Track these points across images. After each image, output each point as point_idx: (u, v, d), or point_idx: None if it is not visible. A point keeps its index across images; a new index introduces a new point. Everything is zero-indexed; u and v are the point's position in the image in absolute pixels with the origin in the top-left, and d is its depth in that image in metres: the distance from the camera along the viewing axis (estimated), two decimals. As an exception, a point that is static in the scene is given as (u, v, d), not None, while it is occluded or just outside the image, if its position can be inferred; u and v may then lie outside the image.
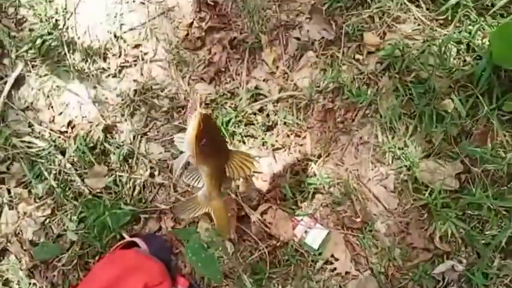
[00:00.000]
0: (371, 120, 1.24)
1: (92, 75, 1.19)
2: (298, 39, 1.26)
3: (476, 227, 1.14)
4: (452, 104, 1.18)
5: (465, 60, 1.19)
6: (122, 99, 1.25)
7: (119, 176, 1.23)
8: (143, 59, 1.19)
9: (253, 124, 1.22)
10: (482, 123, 1.19)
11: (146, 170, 1.23)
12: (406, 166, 1.17)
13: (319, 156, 1.22)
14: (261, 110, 1.23)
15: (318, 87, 1.24)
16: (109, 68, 1.16)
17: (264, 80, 1.25)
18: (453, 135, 1.19)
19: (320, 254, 1.15)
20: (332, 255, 1.16)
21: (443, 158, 1.18)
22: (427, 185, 1.17)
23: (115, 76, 1.27)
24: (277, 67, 1.28)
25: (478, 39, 1.18)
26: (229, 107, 1.22)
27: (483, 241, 1.11)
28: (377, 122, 1.23)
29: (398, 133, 1.19)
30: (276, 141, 1.21)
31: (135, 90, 1.25)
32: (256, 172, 1.17)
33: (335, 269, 1.16)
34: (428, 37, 1.23)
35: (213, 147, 0.71)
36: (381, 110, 1.22)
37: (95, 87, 1.17)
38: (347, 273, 1.16)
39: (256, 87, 1.24)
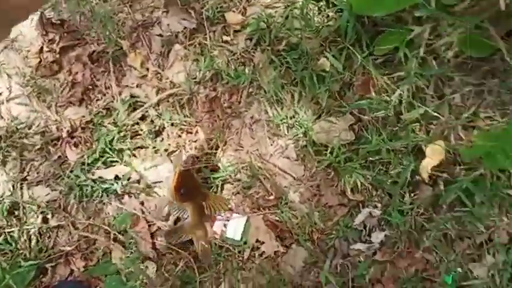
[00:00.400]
0: (256, 97, 1.41)
1: None
2: (160, 35, 1.42)
3: (381, 171, 1.37)
4: (328, 61, 1.39)
5: (328, 16, 1.42)
6: None
7: (9, 232, 1.30)
8: (-2, 101, 1.24)
9: (140, 134, 1.35)
10: (360, 72, 1.40)
11: (38, 217, 1.31)
12: (302, 133, 1.38)
13: (216, 148, 1.38)
14: (143, 117, 1.38)
15: (195, 78, 1.40)
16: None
17: (137, 86, 1.41)
18: (336, 90, 1.40)
19: (245, 243, 1.31)
20: (257, 240, 1.33)
21: (333, 115, 1.40)
22: (326, 144, 1.38)
23: (-28, 128, 1.31)
24: (147, 69, 1.42)
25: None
26: (109, 124, 1.34)
27: (390, 181, 1.34)
28: (263, 98, 1.41)
29: (286, 103, 1.40)
30: (169, 144, 1.36)
31: None
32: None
33: (263, 252, 1.33)
34: (288, 2, 1.42)
35: (190, 194, 1.11)
36: (264, 85, 1.40)
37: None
38: (275, 252, 1.33)
39: (131, 96, 1.38)
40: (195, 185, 1.11)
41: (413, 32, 1.18)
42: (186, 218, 1.11)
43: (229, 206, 1.31)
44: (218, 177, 1.34)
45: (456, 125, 1.28)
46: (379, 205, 1.31)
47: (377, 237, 1.28)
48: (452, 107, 1.33)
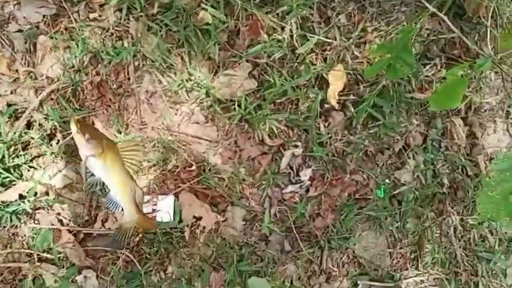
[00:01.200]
0: (145, 69, 1.53)
1: None
2: (20, 31, 1.45)
3: (291, 110, 1.58)
4: (208, 13, 1.51)
5: None
6: None
7: None
8: None
9: (31, 144, 1.41)
10: (243, 16, 1.55)
11: None
12: (204, 93, 1.52)
13: (119, 132, 1.47)
14: (29, 124, 1.43)
15: (73, 67, 1.47)
16: None
17: (12, 93, 1.45)
18: (225, 41, 1.54)
19: (180, 222, 1.46)
20: (194, 216, 1.48)
21: (230, 67, 1.52)
22: (231, 99, 1.52)
23: None
24: (16, 71, 1.46)
25: None
26: None
27: (302, 117, 1.56)
28: (152, 68, 1.52)
29: (177, 67, 1.52)
30: (67, 145, 1.41)
31: None
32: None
33: (204, 228, 1.50)
34: None
35: (97, 139, 1.18)
36: (148, 54, 1.51)
37: None
38: (216, 223, 1.51)
39: (8, 105, 1.42)
40: (97, 131, 1.20)
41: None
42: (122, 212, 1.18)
43: (144, 149, 1.42)
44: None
45: (349, 46, 1.54)
46: (299, 143, 1.55)
47: (305, 174, 1.54)
48: (341, 28, 1.56)
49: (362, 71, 1.54)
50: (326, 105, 1.56)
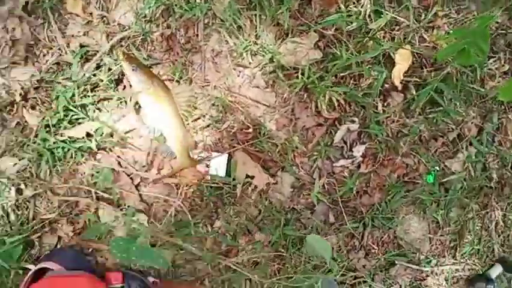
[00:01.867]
0: (214, 28, 1.52)
1: None
2: None
3: (353, 85, 1.55)
4: None
5: None
6: None
7: None
8: None
9: (99, 86, 1.42)
10: None
11: (10, 190, 1.40)
12: (268, 58, 1.50)
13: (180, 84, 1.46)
14: (98, 67, 1.44)
15: (145, 17, 1.47)
16: None
17: (84, 34, 1.45)
18: (296, 8, 1.51)
19: (233, 179, 1.47)
20: (247, 175, 1.50)
21: (297, 35, 1.51)
22: (294, 66, 1.51)
23: None
24: (90, 14, 1.46)
25: None
26: (63, 79, 1.41)
27: (362, 94, 1.54)
28: (221, 28, 1.51)
29: (246, 29, 1.50)
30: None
31: None
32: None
33: (256, 186, 1.52)
34: None
35: (145, 72, 1.30)
36: (220, 14, 1.50)
37: None
38: (267, 184, 1.52)
39: (81, 46, 1.43)
40: (148, 69, 1.29)
41: None
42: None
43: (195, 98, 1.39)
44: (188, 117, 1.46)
45: (419, 28, 1.52)
46: (356, 119, 1.55)
47: (359, 150, 1.54)
48: (411, 9, 1.52)
49: (427, 54, 1.52)
50: (386, 85, 1.55)
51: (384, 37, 1.51)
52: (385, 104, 1.56)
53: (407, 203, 1.41)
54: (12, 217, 1.36)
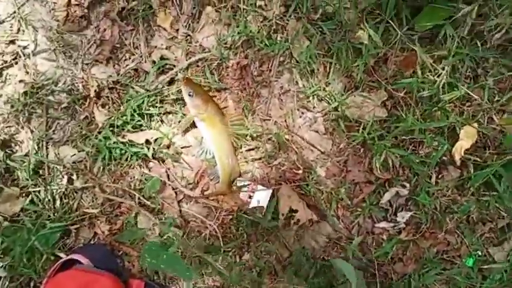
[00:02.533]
0: (288, 67, 1.54)
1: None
2: None
3: (411, 150, 1.52)
4: (366, 34, 1.49)
5: None
6: (12, 106, 1.42)
7: (35, 192, 1.42)
8: (24, 55, 1.33)
9: (168, 99, 1.47)
10: (398, 47, 1.51)
11: (63, 178, 1.44)
12: (333, 107, 1.51)
13: (245, 116, 1.50)
14: (171, 81, 1.49)
15: (226, 43, 1.51)
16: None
17: (166, 48, 1.51)
18: (371, 65, 1.51)
19: (273, 213, 1.47)
20: (290, 209, 1.48)
21: (366, 90, 1.52)
22: (357, 120, 1.51)
23: (-5, 81, 1.39)
24: (177, 30, 1.52)
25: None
26: (137, 85, 1.46)
27: (418, 161, 1.50)
28: (294, 68, 1.53)
29: (318, 75, 1.52)
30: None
31: (24, 92, 1.42)
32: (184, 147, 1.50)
33: (298, 220, 1.49)
34: None
35: (202, 97, 1.40)
36: (296, 54, 1.51)
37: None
38: (310, 221, 1.50)
39: (161, 58, 1.49)
40: (205, 94, 1.35)
41: (460, 11, 1.33)
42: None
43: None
44: (243, 145, 1.49)
45: (490, 109, 1.49)
46: (407, 185, 1.51)
47: (403, 216, 1.50)
48: (486, 89, 1.49)
49: (492, 136, 1.50)
50: (445, 158, 1.52)
51: (453, 110, 1.49)
52: (439, 176, 1.53)
53: (441, 281, 1.37)
54: (58, 204, 1.41)
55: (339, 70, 1.47)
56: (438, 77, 1.42)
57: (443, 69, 1.40)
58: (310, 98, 1.52)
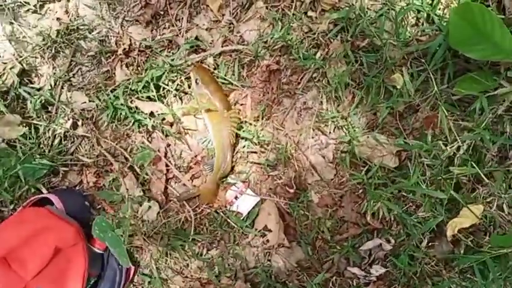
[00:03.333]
0: (317, 85, 1.50)
1: (8, 8, 1.31)
2: None
3: (409, 209, 1.46)
4: (402, 79, 1.43)
5: (423, 31, 1.45)
6: (43, 39, 1.45)
7: (36, 125, 1.46)
8: (69, -5, 1.36)
9: (189, 79, 1.45)
10: (430, 102, 1.44)
11: (68, 120, 1.47)
12: (347, 140, 1.47)
13: (258, 119, 1.47)
14: (200, 62, 1.46)
15: (266, 42, 1.48)
16: (27, 2, 1.30)
17: (207, 29, 1.50)
18: (399, 110, 1.45)
19: (250, 224, 1.48)
20: (265, 227, 1.47)
21: (385, 134, 1.45)
22: (365, 161, 1.46)
23: (35, 12, 1.47)
24: (223, 15, 1.51)
25: (439, 10, 1.30)
26: (166, 56, 1.46)
27: (413, 222, 1.43)
28: (323, 89, 1.49)
29: (344, 102, 1.48)
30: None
31: (58, 30, 1.45)
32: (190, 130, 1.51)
33: (268, 241, 1.48)
34: (388, 1, 1.46)
35: (209, 87, 1.42)
36: (329, 75, 1.48)
37: (11, 23, 1.31)
38: (279, 245, 1.48)
39: (197, 38, 1.48)
40: (212, 82, 1.34)
41: (498, 90, 1.26)
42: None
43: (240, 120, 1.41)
44: (247, 146, 1.47)
45: (503, 198, 1.39)
46: (393, 241, 1.45)
47: (377, 270, 1.45)
48: (501, 177, 1.40)
49: (497, 224, 1.39)
50: (440, 229, 1.42)
51: (465, 184, 1.41)
52: (430, 244, 1.45)
53: None
54: (56, 143, 1.45)
55: (365, 105, 1.42)
56: (450, 148, 1.31)
57: (463, 141, 1.31)
58: (329, 122, 1.49)
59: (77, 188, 1.43)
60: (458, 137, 1.32)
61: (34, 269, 1.16)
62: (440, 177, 1.35)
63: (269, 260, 1.46)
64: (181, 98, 1.45)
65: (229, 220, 1.44)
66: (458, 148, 1.33)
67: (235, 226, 1.44)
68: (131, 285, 1.45)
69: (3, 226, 1.25)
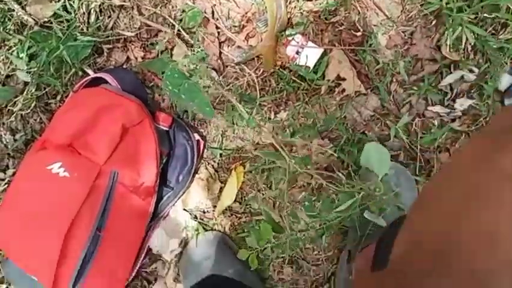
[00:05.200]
0: None
1: None
2: None
3: (490, 33, 1.30)
4: None
5: None
6: None
7: (69, 0, 1.28)
8: None
9: None
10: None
11: None
12: None
13: None
14: None
15: None
16: None
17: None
18: None
19: (322, 77, 1.34)
20: (338, 76, 1.33)
21: None
22: None
23: None
24: None
25: None
26: None
27: (496, 46, 1.30)
28: None
29: None
30: None
31: None
32: None
33: (343, 90, 1.35)
34: None
35: None
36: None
37: None
38: (356, 92, 1.36)
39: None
40: None
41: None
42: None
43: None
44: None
45: None
46: (476, 70, 1.29)
47: (462, 104, 1.31)
48: None
49: None
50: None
51: None
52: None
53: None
54: (92, 19, 1.31)
55: None
56: None
57: None
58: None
59: (124, 66, 1.23)
60: None
61: (105, 152, 1.06)
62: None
63: (342, 113, 1.37)
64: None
65: (300, 73, 1.30)
66: None
67: (306, 80, 1.30)
68: (201, 160, 1.34)
69: (59, 113, 1.16)
